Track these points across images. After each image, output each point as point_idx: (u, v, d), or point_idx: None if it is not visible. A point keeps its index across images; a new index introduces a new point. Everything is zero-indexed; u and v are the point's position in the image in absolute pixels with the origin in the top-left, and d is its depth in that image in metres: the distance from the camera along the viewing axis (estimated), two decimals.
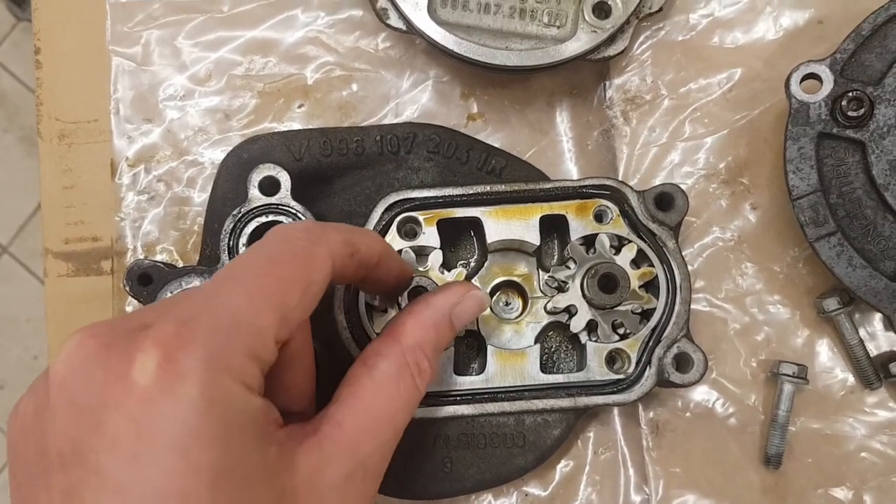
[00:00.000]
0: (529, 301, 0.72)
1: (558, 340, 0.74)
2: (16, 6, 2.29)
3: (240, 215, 0.70)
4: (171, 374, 0.42)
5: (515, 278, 0.73)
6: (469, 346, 0.74)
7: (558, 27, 0.73)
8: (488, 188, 0.71)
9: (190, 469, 0.41)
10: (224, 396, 0.43)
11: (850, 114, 0.68)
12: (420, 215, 0.71)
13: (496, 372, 0.70)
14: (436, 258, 0.70)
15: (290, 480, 0.47)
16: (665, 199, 0.70)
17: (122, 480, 0.41)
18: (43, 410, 0.44)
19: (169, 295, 0.69)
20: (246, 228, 0.70)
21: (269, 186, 0.70)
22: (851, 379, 0.75)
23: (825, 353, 0.75)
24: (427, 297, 0.61)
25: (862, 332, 0.75)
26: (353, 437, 0.51)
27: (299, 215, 0.70)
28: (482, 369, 0.70)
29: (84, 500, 0.41)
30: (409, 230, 0.71)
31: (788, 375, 0.73)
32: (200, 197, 0.78)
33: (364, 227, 0.68)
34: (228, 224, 0.70)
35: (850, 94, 0.68)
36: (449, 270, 0.71)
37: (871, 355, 0.74)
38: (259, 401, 0.46)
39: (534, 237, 0.71)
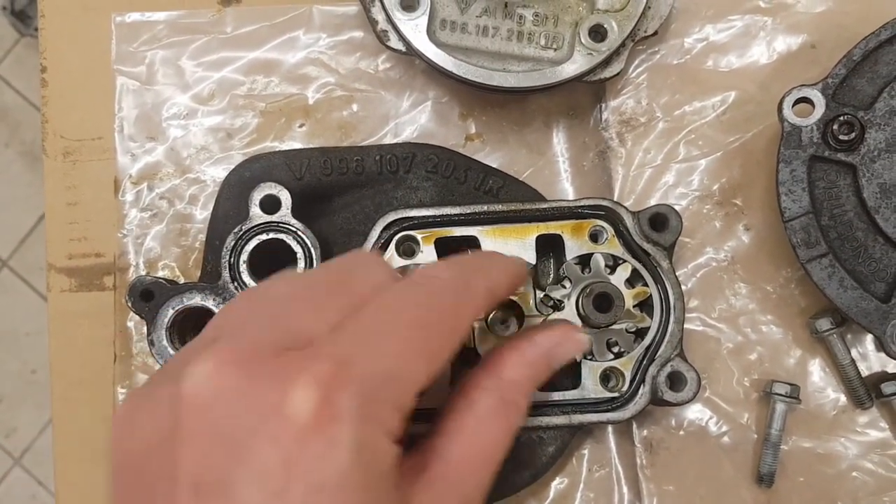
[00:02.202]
0: (525, 320, 0.73)
1: None
2: (19, 22, 2.31)
3: (241, 233, 0.71)
4: (328, 415, 0.41)
5: (512, 297, 0.74)
6: (465, 364, 0.75)
7: (555, 49, 0.74)
8: (486, 208, 0.72)
9: None
10: (372, 444, 0.43)
11: (841, 137, 0.69)
12: (418, 234, 0.72)
13: None
14: None
15: None
16: (659, 220, 0.71)
17: None
18: (174, 434, 0.43)
19: (171, 312, 0.70)
20: (247, 246, 0.71)
21: (270, 204, 0.71)
22: (843, 399, 0.76)
23: (817, 373, 0.76)
24: (530, 333, 0.60)
25: (854, 353, 0.76)
26: (460, 474, 0.50)
27: (299, 233, 0.71)
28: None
29: None
30: (408, 248, 0.72)
31: (781, 395, 0.74)
32: (202, 214, 0.79)
33: (498, 256, 0.67)
34: (230, 241, 0.71)
35: (842, 118, 0.69)
36: None
37: (863, 375, 0.75)
38: (397, 450, 0.45)
39: (530, 256, 0.72)
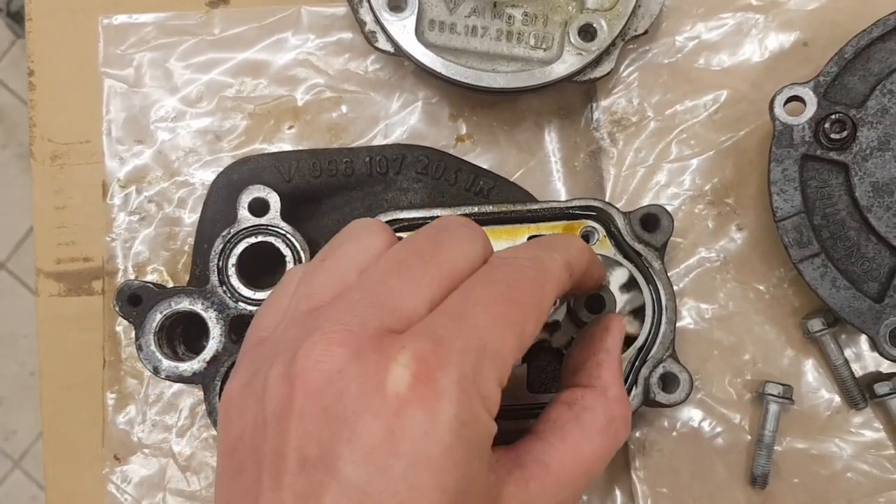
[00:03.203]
0: None
1: (546, 360, 0.74)
2: (15, 24, 2.30)
3: (229, 236, 0.70)
4: (429, 390, 0.42)
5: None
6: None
7: (545, 49, 0.74)
8: (476, 209, 0.72)
9: (437, 487, 0.42)
10: (473, 419, 0.44)
11: (833, 136, 0.69)
12: (408, 236, 0.71)
13: None
14: None
15: None
16: (650, 220, 0.71)
17: (366, 490, 0.41)
18: (284, 412, 0.44)
19: (159, 316, 0.69)
20: (235, 249, 0.70)
21: (259, 207, 0.71)
22: (837, 399, 0.75)
23: (811, 374, 0.76)
24: (612, 330, 0.61)
25: (848, 353, 0.75)
26: (558, 482, 0.50)
27: (288, 236, 0.70)
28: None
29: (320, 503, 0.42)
30: None
31: (774, 395, 0.73)
32: (191, 218, 0.78)
33: (572, 236, 0.68)
34: (218, 245, 0.70)
35: (834, 116, 0.69)
36: None
37: (857, 375, 0.75)
38: (495, 426, 0.46)
39: None
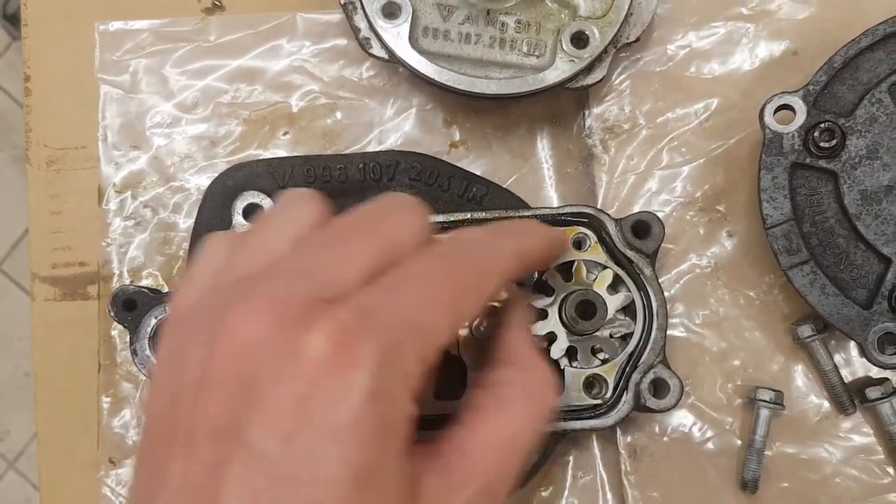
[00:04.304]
0: None
1: None
2: (11, 26, 2.30)
3: None
4: (345, 358, 0.41)
5: (496, 304, 0.74)
6: (451, 370, 0.75)
7: (537, 56, 0.74)
8: (469, 215, 0.72)
9: (341, 460, 0.40)
10: (389, 394, 0.42)
11: (822, 144, 0.69)
12: None
13: None
14: None
15: (414, 502, 0.45)
16: (642, 227, 0.71)
17: (271, 458, 0.40)
18: (201, 383, 0.42)
19: (154, 321, 0.70)
20: None
21: (254, 213, 0.71)
22: (827, 405, 0.76)
23: (801, 379, 0.76)
24: (517, 307, 0.60)
25: (837, 358, 0.76)
26: (481, 467, 0.48)
27: None
28: (463, 394, 0.71)
29: (227, 475, 0.40)
30: None
31: (765, 401, 0.74)
32: (186, 223, 0.79)
33: (535, 223, 0.67)
34: None
35: (823, 125, 0.69)
36: None
37: (847, 381, 0.75)
38: (414, 408, 0.44)
39: None
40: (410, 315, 0.45)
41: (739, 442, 0.76)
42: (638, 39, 0.75)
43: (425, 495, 0.45)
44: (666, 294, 0.72)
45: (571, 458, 0.76)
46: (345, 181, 0.75)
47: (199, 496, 0.41)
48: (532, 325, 0.60)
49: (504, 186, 0.77)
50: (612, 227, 0.71)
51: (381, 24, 0.72)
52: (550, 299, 0.71)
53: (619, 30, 0.73)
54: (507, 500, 0.50)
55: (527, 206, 0.76)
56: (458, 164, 0.78)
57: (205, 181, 0.78)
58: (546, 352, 0.71)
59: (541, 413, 0.52)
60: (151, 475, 0.44)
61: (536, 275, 0.71)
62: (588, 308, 0.69)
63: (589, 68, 0.73)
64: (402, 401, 0.43)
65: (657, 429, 0.76)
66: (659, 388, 0.70)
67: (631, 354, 0.70)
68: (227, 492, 0.40)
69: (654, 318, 0.70)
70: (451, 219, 0.72)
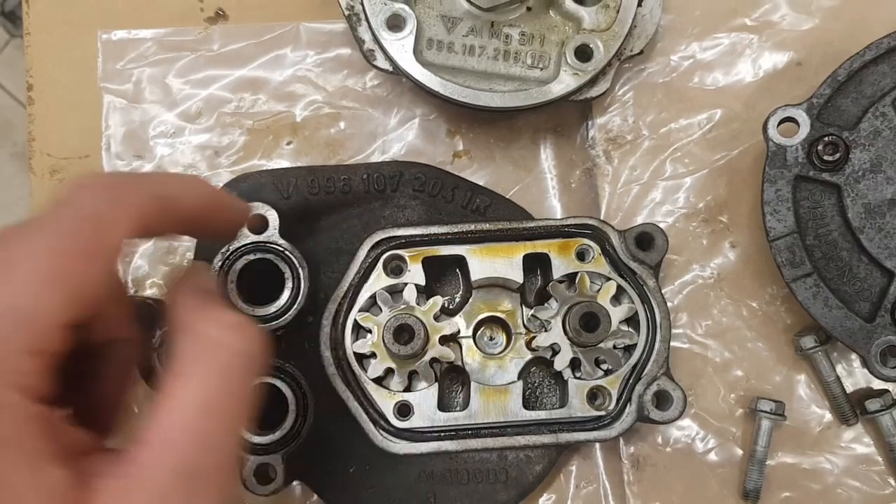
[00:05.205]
0: (513, 337, 0.74)
1: (541, 376, 0.75)
2: (10, 23, 2.30)
3: (228, 253, 0.71)
4: None
5: (499, 314, 0.74)
6: (453, 382, 0.75)
7: (541, 69, 0.74)
8: (473, 227, 0.73)
9: None
10: None
11: (826, 157, 0.69)
12: (406, 253, 0.72)
13: (480, 408, 0.71)
14: (410, 293, 0.71)
15: None
16: (645, 239, 0.72)
17: None
18: None
19: (158, 332, 0.70)
20: (234, 266, 0.71)
21: (258, 224, 0.71)
22: (828, 415, 0.76)
23: (803, 390, 0.77)
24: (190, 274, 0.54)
25: (839, 369, 0.76)
26: (167, 449, 0.43)
27: (287, 253, 0.71)
28: (466, 405, 0.71)
29: None
30: (395, 267, 0.72)
31: (766, 412, 0.74)
32: None
33: (194, 176, 0.59)
34: (217, 261, 0.71)
35: (827, 138, 0.70)
36: (427, 299, 0.72)
37: (848, 392, 0.76)
38: (37, 409, 0.40)
39: (517, 275, 0.72)
40: (6, 304, 0.40)
41: (741, 452, 0.76)
42: (642, 51, 0.75)
43: (100, 500, 0.40)
44: (669, 305, 0.72)
45: (574, 468, 0.77)
46: (348, 192, 0.75)
47: None
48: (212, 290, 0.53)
49: (507, 197, 0.77)
50: (615, 239, 0.72)
51: (386, 36, 0.72)
52: (554, 310, 0.71)
53: (622, 42, 0.73)
54: (229, 472, 0.45)
55: (530, 217, 0.76)
56: (462, 175, 0.78)
57: None
58: (548, 362, 0.71)
59: (229, 363, 0.46)
60: None
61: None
62: (591, 320, 0.69)
63: (593, 80, 0.73)
64: (12, 405, 0.38)
65: (660, 439, 0.76)
66: (662, 399, 0.70)
67: (634, 366, 0.71)
68: None
69: (658, 329, 0.71)
70: (455, 230, 0.72)
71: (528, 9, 0.75)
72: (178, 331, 0.48)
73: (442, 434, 0.70)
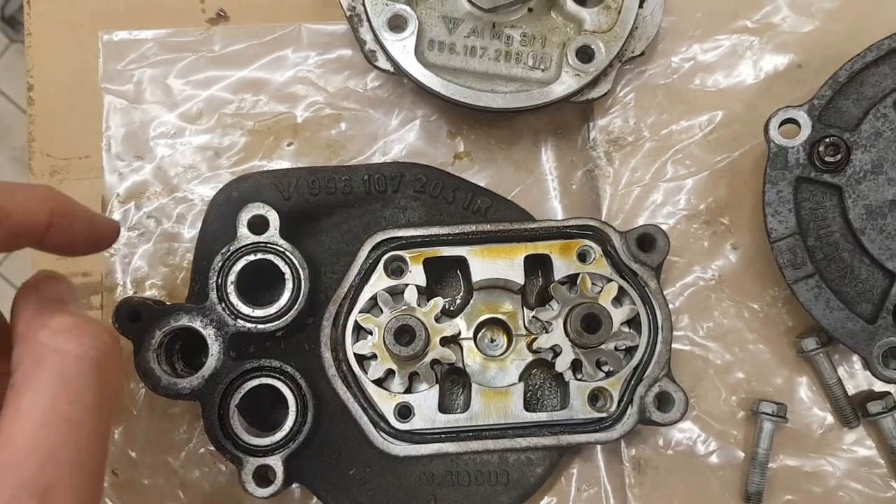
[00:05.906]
0: (514, 338, 0.73)
1: (542, 378, 0.75)
2: (9, 28, 2.29)
3: (229, 253, 0.71)
4: None
5: (500, 315, 0.74)
6: (454, 383, 0.75)
7: (543, 70, 0.74)
8: (474, 228, 0.72)
9: None
10: None
11: (827, 159, 0.69)
12: (406, 254, 0.72)
13: (481, 410, 0.70)
14: (411, 295, 0.71)
15: None
16: (647, 241, 0.71)
17: None
18: None
19: (158, 333, 0.69)
20: (234, 266, 0.70)
21: (258, 225, 0.71)
22: (830, 418, 0.76)
23: (804, 392, 0.76)
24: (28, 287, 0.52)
25: (841, 371, 0.76)
26: (8, 467, 0.42)
27: (287, 254, 0.71)
28: (467, 407, 0.71)
29: None
30: (396, 268, 0.72)
31: (768, 414, 0.74)
32: (190, 233, 0.78)
33: (37, 185, 0.53)
34: (217, 262, 0.71)
35: (828, 139, 0.70)
36: (427, 300, 0.72)
37: (850, 394, 0.76)
38: None
39: (518, 276, 0.72)
40: None
41: (743, 455, 0.76)
42: (643, 53, 0.75)
43: None
44: (670, 306, 0.72)
45: (575, 471, 0.76)
46: (349, 193, 0.75)
47: None
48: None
49: (508, 198, 0.77)
50: (617, 240, 0.71)
51: (387, 37, 0.72)
52: (555, 312, 0.71)
53: (624, 44, 0.73)
54: (85, 483, 0.43)
55: (531, 218, 0.76)
56: (463, 176, 0.78)
57: (209, 192, 0.78)
58: (549, 364, 0.71)
59: (64, 369, 0.44)
60: None
61: None
62: (593, 321, 0.69)
63: (594, 82, 0.73)
64: None
65: (661, 441, 0.76)
66: (664, 401, 0.70)
67: (636, 367, 0.71)
68: None
69: (660, 331, 0.71)
70: (456, 231, 0.72)
71: (530, 10, 0.75)
72: (16, 342, 0.46)
73: (443, 436, 0.70)
